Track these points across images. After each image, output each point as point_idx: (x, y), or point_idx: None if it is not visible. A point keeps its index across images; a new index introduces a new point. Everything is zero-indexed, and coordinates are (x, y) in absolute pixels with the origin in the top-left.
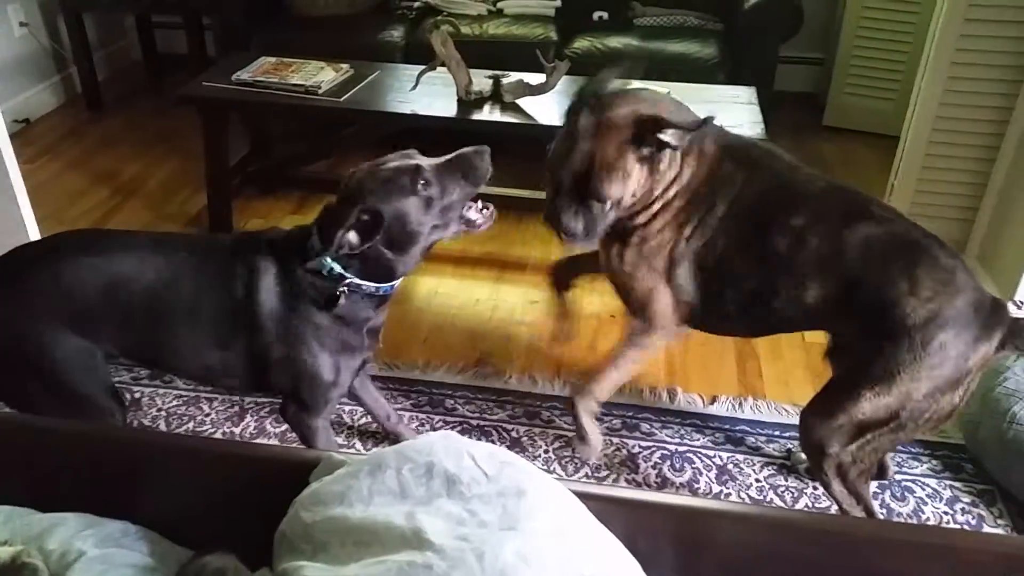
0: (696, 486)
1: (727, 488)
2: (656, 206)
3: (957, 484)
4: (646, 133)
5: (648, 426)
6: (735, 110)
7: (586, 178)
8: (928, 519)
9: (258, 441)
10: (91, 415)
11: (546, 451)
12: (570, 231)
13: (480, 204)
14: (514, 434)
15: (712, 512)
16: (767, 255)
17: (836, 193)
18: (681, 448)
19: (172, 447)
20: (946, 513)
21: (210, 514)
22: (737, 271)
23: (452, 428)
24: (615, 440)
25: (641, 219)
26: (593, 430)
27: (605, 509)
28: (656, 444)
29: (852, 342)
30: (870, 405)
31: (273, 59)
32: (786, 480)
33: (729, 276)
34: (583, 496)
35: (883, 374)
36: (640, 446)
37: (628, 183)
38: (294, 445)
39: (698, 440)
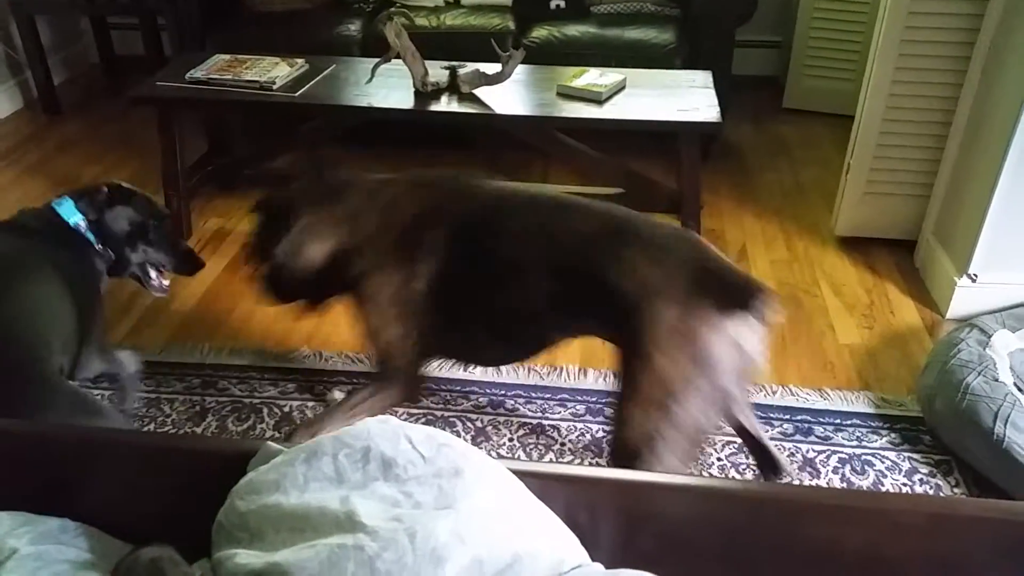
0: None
1: (689, 468)
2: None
3: (915, 456)
4: None
5: (612, 411)
6: (691, 94)
7: None
8: (887, 491)
9: None
10: None
11: (511, 439)
12: None
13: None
14: (479, 423)
15: (649, 484)
16: (500, 267)
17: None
18: None
19: (110, 442)
20: (905, 484)
21: (153, 508)
22: (475, 296)
23: (416, 420)
24: (579, 425)
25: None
26: None
27: (544, 486)
28: None
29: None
30: (650, 386)
31: (227, 56)
32: (747, 458)
33: (468, 305)
34: (522, 474)
35: (635, 353)
36: (604, 430)
37: None
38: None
39: None
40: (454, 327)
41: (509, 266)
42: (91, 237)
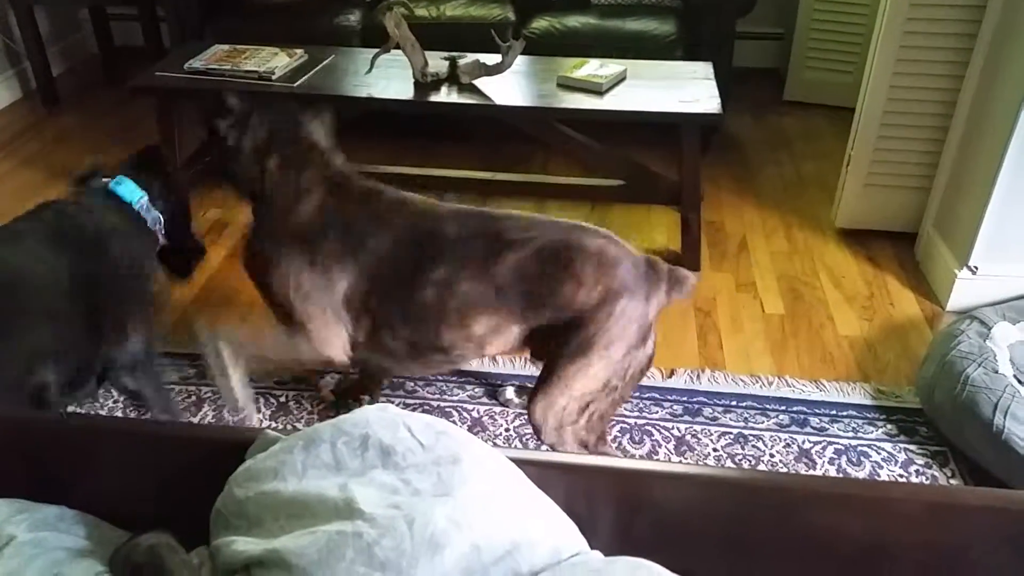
0: (656, 457)
1: (685, 458)
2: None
3: (912, 447)
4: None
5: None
6: (692, 86)
7: None
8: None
9: None
10: None
11: (507, 429)
12: None
13: None
14: (475, 414)
15: (648, 473)
16: (417, 308)
17: (471, 231)
18: (640, 421)
19: (108, 430)
20: (901, 476)
21: (150, 496)
22: (392, 318)
23: (412, 410)
24: None
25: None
26: (235, 378)
27: (543, 474)
28: (616, 418)
29: (547, 338)
30: (581, 382)
31: (226, 46)
32: (743, 448)
33: (386, 320)
34: (521, 462)
35: (582, 353)
36: None
37: None
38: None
39: (656, 413)
40: (380, 335)
41: (439, 307)
42: (151, 217)
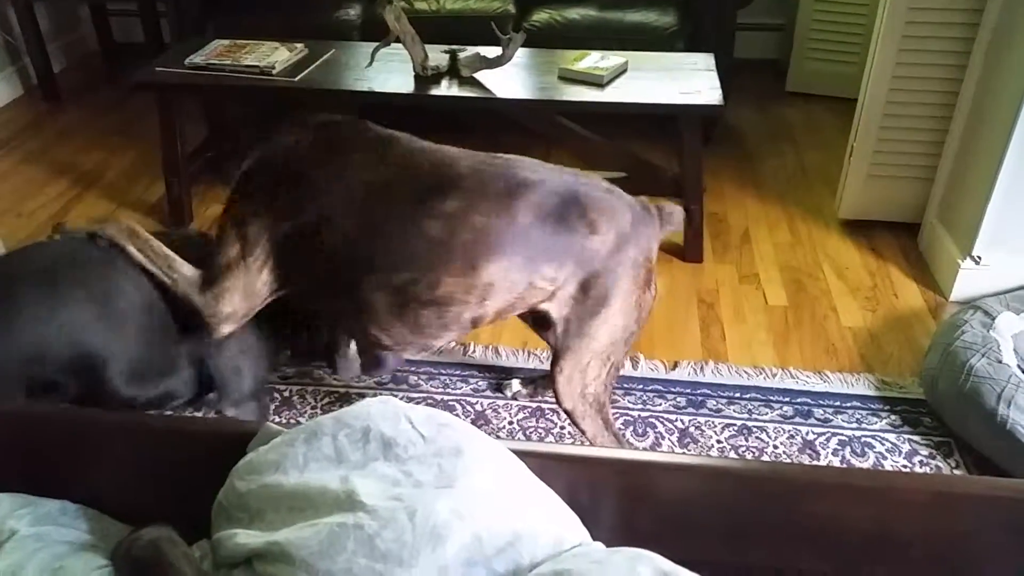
0: (659, 449)
1: (689, 450)
2: None
3: (916, 438)
4: None
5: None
6: (693, 77)
7: None
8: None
9: None
10: None
11: (510, 423)
12: None
13: None
14: (478, 407)
15: (651, 464)
16: (418, 243)
17: (487, 165)
18: (644, 414)
19: (110, 424)
20: (905, 466)
21: (152, 489)
22: (381, 263)
23: (416, 403)
24: None
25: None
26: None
27: (545, 466)
28: (619, 410)
29: (560, 299)
30: (606, 335)
31: (227, 41)
32: (747, 440)
33: (371, 265)
34: (523, 454)
35: (604, 305)
36: None
37: None
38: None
39: (660, 405)
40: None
41: (447, 243)
42: None
